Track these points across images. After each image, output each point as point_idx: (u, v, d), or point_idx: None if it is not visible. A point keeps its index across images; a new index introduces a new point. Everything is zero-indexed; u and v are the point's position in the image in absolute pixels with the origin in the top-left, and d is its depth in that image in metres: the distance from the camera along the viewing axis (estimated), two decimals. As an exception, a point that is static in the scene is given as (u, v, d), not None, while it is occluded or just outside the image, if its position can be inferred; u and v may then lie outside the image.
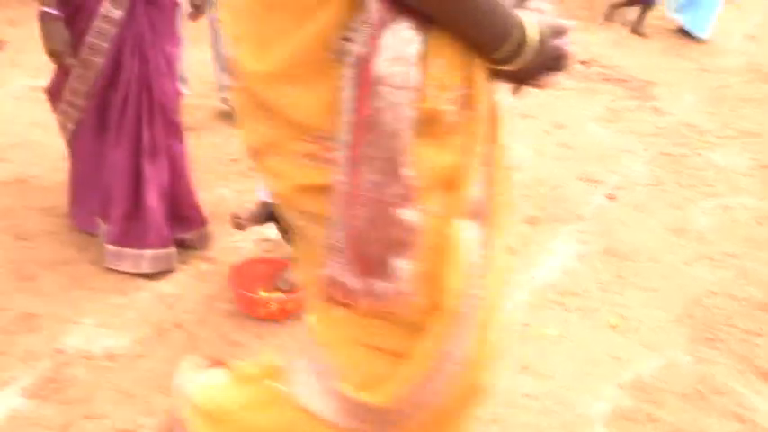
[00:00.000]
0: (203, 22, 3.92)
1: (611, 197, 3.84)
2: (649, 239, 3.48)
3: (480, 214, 1.19)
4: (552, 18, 1.19)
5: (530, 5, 1.19)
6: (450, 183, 1.15)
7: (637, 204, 3.80)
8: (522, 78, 1.23)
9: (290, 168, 1.17)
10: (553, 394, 2.47)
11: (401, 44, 1.06)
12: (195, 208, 3.06)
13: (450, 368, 1.21)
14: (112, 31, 2.73)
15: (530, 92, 1.28)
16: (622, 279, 3.16)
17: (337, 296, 1.19)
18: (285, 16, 1.10)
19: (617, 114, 4.95)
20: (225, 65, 4.11)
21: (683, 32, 6.82)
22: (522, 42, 1.14)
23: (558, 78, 1.25)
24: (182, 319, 2.66)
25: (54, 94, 2.92)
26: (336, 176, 1.11)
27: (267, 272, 2.82)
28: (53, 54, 2.68)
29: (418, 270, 1.15)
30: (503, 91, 1.25)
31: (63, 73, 2.84)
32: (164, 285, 2.84)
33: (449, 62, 1.11)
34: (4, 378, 2.33)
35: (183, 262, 2.96)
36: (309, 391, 1.31)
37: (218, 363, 1.62)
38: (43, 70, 3.06)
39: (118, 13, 2.72)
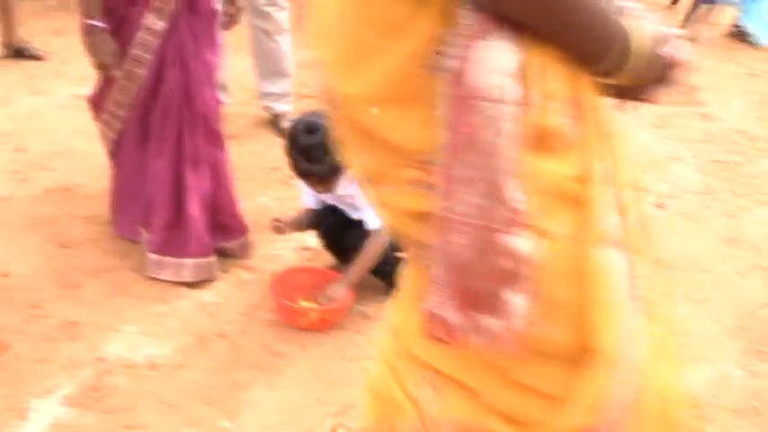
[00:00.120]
0: (244, 29, 3.92)
1: (660, 206, 3.74)
2: (700, 249, 3.38)
3: (617, 241, 1.06)
4: (656, 23, 1.09)
5: (626, 11, 1.08)
6: (576, 201, 1.03)
7: (687, 213, 3.70)
8: (629, 92, 1.13)
9: (398, 198, 1.08)
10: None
11: (497, 55, 0.97)
12: (236, 217, 3.04)
13: (613, 417, 1.08)
14: (156, 42, 2.73)
15: (636, 107, 1.18)
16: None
17: (438, 332, 1.08)
18: (376, 35, 1.02)
19: (665, 120, 4.85)
20: (265, 72, 4.11)
21: (731, 36, 6.69)
22: (627, 52, 1.03)
23: (667, 92, 1.14)
24: (223, 329, 2.64)
25: (97, 104, 2.93)
26: (437, 201, 1.01)
27: (308, 281, 2.79)
28: (101, 66, 2.68)
29: (553, 302, 1.03)
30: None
31: (106, 83, 2.85)
32: (205, 294, 2.82)
33: (552, 71, 1.01)
34: (47, 386, 2.33)
35: (224, 271, 2.95)
36: None
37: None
38: (87, 79, 3.07)
39: (161, 25, 2.72)
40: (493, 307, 1.02)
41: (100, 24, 2.64)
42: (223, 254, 2.98)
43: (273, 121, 4.19)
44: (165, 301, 2.76)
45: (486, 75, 0.97)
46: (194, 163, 2.85)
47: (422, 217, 1.04)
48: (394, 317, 1.29)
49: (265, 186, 3.61)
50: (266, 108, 4.21)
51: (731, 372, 2.62)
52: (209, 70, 2.90)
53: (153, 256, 2.85)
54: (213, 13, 2.91)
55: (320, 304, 2.68)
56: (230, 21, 3.00)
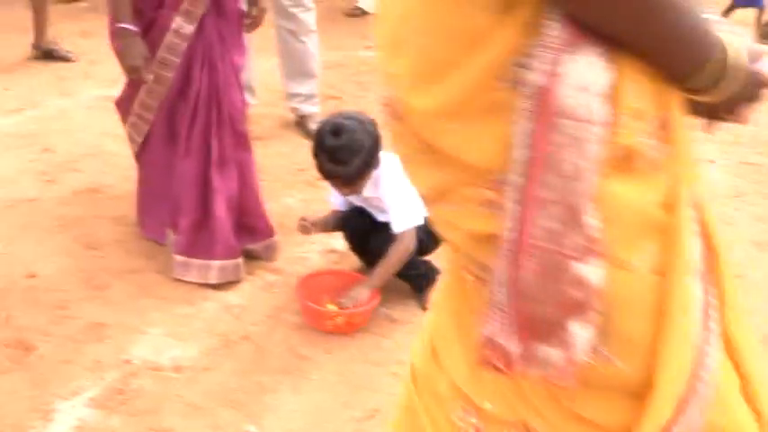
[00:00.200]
0: (270, 30, 3.92)
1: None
2: (731, 253, 3.31)
3: (699, 270, 1.00)
4: (746, 39, 1.02)
5: (716, 25, 1.01)
6: (660, 230, 0.96)
7: (716, 216, 3.63)
8: (720, 111, 1.06)
9: (464, 218, 1.00)
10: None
11: (586, 71, 0.90)
12: (262, 218, 3.03)
13: None
14: (183, 45, 2.73)
15: (723, 127, 1.12)
16: (704, 295, 3.01)
17: (494, 360, 1.02)
18: (454, 45, 0.95)
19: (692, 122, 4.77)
20: (291, 73, 4.10)
21: (760, 37, 6.58)
22: (724, 67, 0.97)
23: (756, 110, 1.07)
24: (249, 331, 2.63)
25: (123, 106, 2.94)
26: (505, 222, 0.95)
27: (334, 284, 2.77)
28: (132, 70, 2.68)
29: (621, 335, 0.96)
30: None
31: (133, 86, 2.85)
32: (230, 296, 2.82)
33: (642, 89, 0.94)
34: (72, 388, 2.33)
35: (250, 273, 2.93)
36: None
37: None
38: (115, 81, 3.09)
39: (190, 29, 2.72)
40: (556, 337, 0.96)
41: (131, 27, 2.64)
42: (248, 256, 2.97)
43: (300, 123, 4.18)
44: (191, 303, 2.76)
45: (573, 92, 0.90)
46: (221, 164, 2.84)
47: (488, 239, 0.98)
48: (434, 337, 1.22)
49: (291, 188, 3.60)
50: (293, 109, 4.20)
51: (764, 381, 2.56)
52: (236, 72, 2.90)
53: (179, 258, 2.84)
54: (239, 14, 2.91)
55: (343, 306, 2.66)
56: (253, 23, 2.99)
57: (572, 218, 0.91)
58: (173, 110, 2.84)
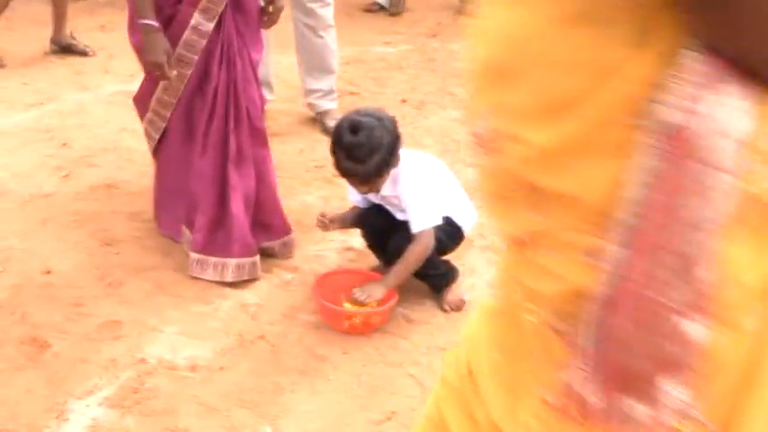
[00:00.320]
0: (288, 25, 3.88)
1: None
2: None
3: None
4: None
5: None
6: None
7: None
8: None
9: (561, 265, 0.92)
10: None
11: (729, 113, 0.81)
12: (279, 215, 3.00)
13: None
14: (202, 42, 2.70)
15: None
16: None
17: (571, 410, 0.95)
18: (582, 78, 0.86)
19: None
20: (309, 69, 4.07)
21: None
22: None
23: None
24: (265, 331, 2.60)
25: (141, 103, 2.92)
26: (606, 267, 0.88)
27: (351, 283, 2.73)
28: (156, 66, 2.66)
29: (718, 399, 0.90)
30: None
31: (151, 82, 2.83)
32: (247, 294, 2.79)
33: None
34: (87, 387, 2.31)
35: (267, 271, 2.90)
36: None
37: None
38: (133, 76, 3.07)
39: (209, 26, 2.69)
40: (645, 393, 0.89)
41: (154, 23, 2.62)
42: (265, 254, 2.94)
43: (318, 119, 4.15)
44: (207, 302, 2.73)
45: (711, 135, 0.82)
46: (238, 161, 2.82)
47: (583, 291, 0.90)
48: (473, 362, 1.15)
49: (309, 185, 3.57)
50: (311, 105, 4.16)
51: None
52: (254, 67, 2.87)
53: (195, 256, 2.82)
54: (258, 9, 2.88)
55: (355, 299, 2.62)
56: (270, 20, 2.95)
57: (684, 269, 0.84)
58: (190, 106, 2.82)
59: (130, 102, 3.04)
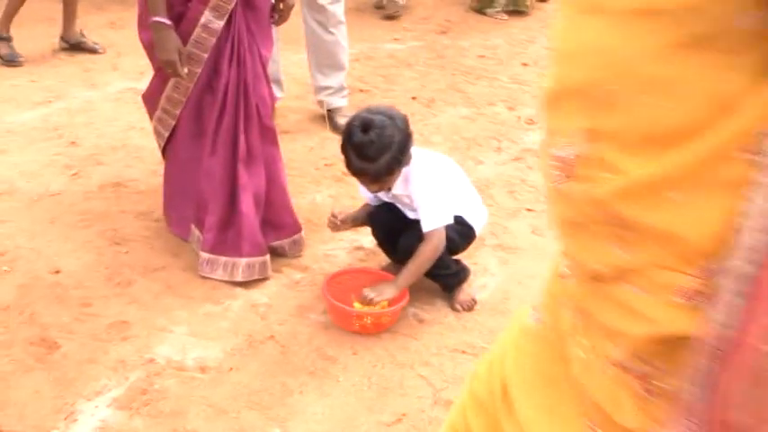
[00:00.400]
0: (298, 21, 3.86)
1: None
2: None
3: None
4: None
5: None
6: None
7: None
8: None
9: (650, 306, 0.85)
10: None
11: None
12: (289, 213, 2.97)
13: None
14: (212, 40, 2.68)
15: None
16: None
17: None
18: (697, 108, 0.80)
19: None
20: (319, 65, 4.04)
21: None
22: None
23: None
24: (274, 331, 2.58)
25: (150, 101, 2.90)
26: (715, 316, 0.81)
27: (361, 283, 2.71)
28: (168, 64, 2.63)
29: None
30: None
31: (160, 80, 2.81)
32: (256, 294, 2.76)
33: None
34: (96, 388, 2.29)
35: (276, 270, 2.88)
36: None
37: None
38: (143, 73, 3.05)
39: (219, 24, 2.66)
40: None
41: (166, 21, 2.60)
42: (274, 253, 2.91)
43: (328, 116, 4.12)
44: (216, 302, 2.71)
45: None
46: (248, 160, 2.79)
47: (681, 333, 0.84)
48: (509, 384, 1.09)
49: (318, 183, 3.54)
50: (321, 103, 4.13)
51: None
52: (264, 65, 2.84)
53: (205, 255, 2.79)
54: (268, 7, 2.85)
55: (366, 298, 2.59)
56: (281, 18, 2.92)
57: None
58: (200, 104, 2.80)
59: (139, 99, 3.02)
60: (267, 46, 2.86)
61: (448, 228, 2.63)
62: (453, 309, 2.73)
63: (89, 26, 5.18)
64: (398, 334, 2.60)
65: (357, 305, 2.62)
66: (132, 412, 2.21)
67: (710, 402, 0.82)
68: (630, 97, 0.82)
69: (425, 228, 2.59)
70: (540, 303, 1.09)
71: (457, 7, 6.21)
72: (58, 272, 2.80)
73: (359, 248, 3.07)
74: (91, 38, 5.04)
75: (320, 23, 3.94)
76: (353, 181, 2.81)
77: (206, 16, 2.67)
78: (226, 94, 2.74)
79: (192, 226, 2.90)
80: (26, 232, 3.04)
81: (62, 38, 4.98)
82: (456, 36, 5.65)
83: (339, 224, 2.82)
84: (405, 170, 2.61)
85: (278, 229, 2.95)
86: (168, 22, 2.60)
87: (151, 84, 2.91)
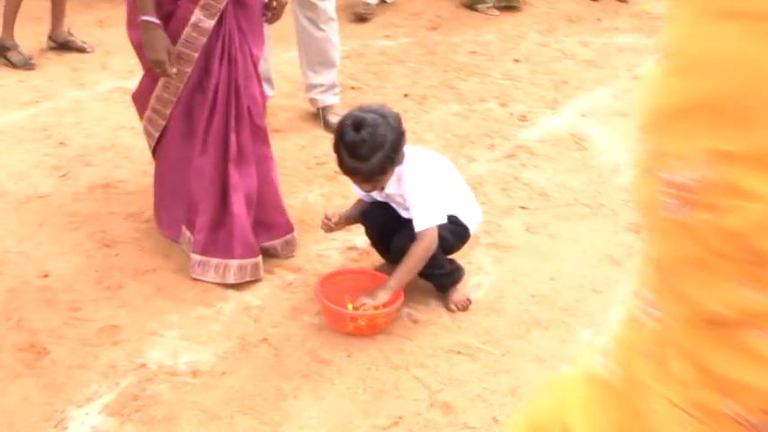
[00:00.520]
0: (288, 19, 3.82)
1: None
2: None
3: None
4: None
5: None
6: None
7: None
8: None
9: None
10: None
11: None
12: (281, 213, 2.94)
13: None
14: (202, 40, 2.64)
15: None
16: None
17: None
18: None
19: None
20: (310, 63, 4.00)
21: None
22: None
23: None
24: (267, 333, 2.54)
25: (140, 101, 2.86)
26: None
27: (355, 283, 2.68)
28: (157, 64, 2.60)
29: None
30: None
31: (150, 80, 2.77)
32: (248, 296, 2.73)
33: None
34: (86, 394, 2.25)
35: (269, 271, 2.85)
36: None
37: None
38: (132, 72, 3.00)
39: (209, 23, 2.63)
40: None
41: (154, 20, 2.56)
42: (266, 254, 2.88)
43: (319, 114, 4.08)
44: (208, 304, 2.67)
45: None
46: (239, 160, 2.76)
47: None
48: (573, 427, 1.02)
49: (310, 183, 3.50)
50: (312, 101, 4.09)
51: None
52: (255, 63, 2.81)
53: (197, 257, 2.76)
54: (260, 4, 2.81)
55: (358, 308, 2.55)
56: (274, 16, 2.88)
57: None
58: (190, 104, 2.76)
59: (128, 99, 2.98)
60: (258, 45, 2.82)
61: (441, 227, 2.60)
62: (448, 309, 2.70)
63: (77, 25, 5.12)
64: (393, 335, 2.57)
65: (351, 306, 2.59)
66: (124, 419, 2.17)
67: None
68: (753, 113, 0.73)
69: (418, 227, 2.56)
70: (609, 350, 1.00)
71: (448, 3, 6.17)
72: (46, 275, 2.76)
73: (352, 248, 3.04)
74: (79, 36, 4.98)
75: (311, 20, 3.90)
76: (346, 180, 2.78)
77: (196, 15, 2.63)
78: (216, 93, 2.71)
79: (183, 227, 2.86)
80: (14, 235, 2.99)
81: (50, 37, 4.92)
82: (447, 32, 5.61)
83: (333, 226, 2.79)
84: (398, 169, 2.58)
85: (270, 230, 2.91)
86: (157, 21, 2.57)
87: (141, 83, 2.87)
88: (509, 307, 2.73)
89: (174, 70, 2.64)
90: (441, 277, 2.71)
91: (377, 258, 2.92)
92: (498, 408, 2.28)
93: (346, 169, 2.57)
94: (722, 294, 0.78)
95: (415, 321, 2.65)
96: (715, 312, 0.80)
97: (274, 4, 2.85)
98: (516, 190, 3.52)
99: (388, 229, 2.74)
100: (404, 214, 2.70)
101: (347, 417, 2.23)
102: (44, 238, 2.98)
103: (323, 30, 3.93)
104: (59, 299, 2.64)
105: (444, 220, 2.61)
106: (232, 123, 2.73)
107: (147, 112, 2.84)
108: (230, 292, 2.73)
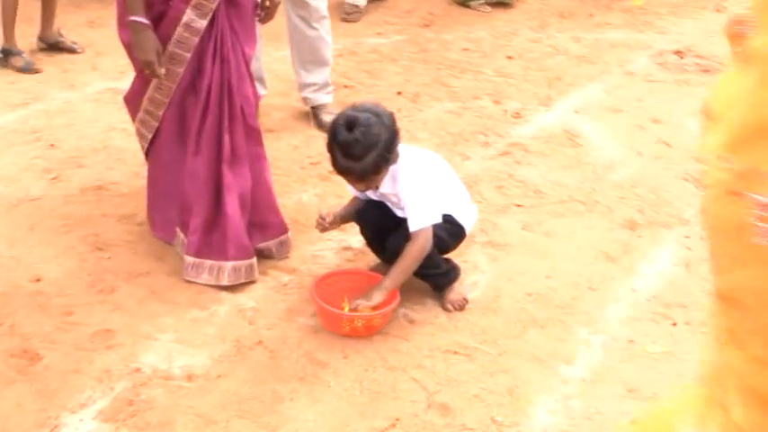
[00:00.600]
0: (280, 18, 3.79)
1: None
2: (764, 245, 3.18)
3: None
4: None
5: None
6: None
7: None
8: None
9: None
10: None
11: None
12: (275, 214, 2.92)
13: None
14: (194, 40, 2.62)
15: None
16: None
17: None
18: None
19: None
20: (303, 62, 3.97)
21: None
22: None
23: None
24: (262, 336, 2.52)
25: (132, 102, 2.84)
26: None
27: (351, 284, 2.66)
28: (146, 65, 2.57)
29: None
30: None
31: (142, 81, 2.75)
32: (243, 298, 2.71)
33: None
34: (80, 400, 2.23)
35: (263, 273, 2.83)
36: None
37: None
38: (123, 73, 2.98)
39: (201, 23, 2.60)
40: None
41: (144, 21, 2.54)
42: (261, 255, 2.86)
43: (313, 113, 4.05)
44: (202, 307, 2.65)
45: None
46: (233, 161, 2.74)
47: None
48: None
49: (304, 182, 3.48)
50: (305, 100, 4.07)
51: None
52: (248, 63, 2.79)
53: (191, 259, 2.74)
54: (252, 4, 2.78)
55: (354, 309, 2.53)
56: (267, 16, 2.86)
57: None
58: (183, 105, 2.74)
59: (119, 100, 2.95)
60: (251, 44, 2.80)
61: (437, 227, 2.58)
62: (444, 309, 2.69)
63: (67, 25, 5.09)
64: (389, 336, 2.56)
65: (347, 307, 2.57)
66: (118, 424, 2.16)
67: None
68: None
69: (412, 227, 2.55)
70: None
71: (439, 0, 6.15)
72: (38, 279, 2.74)
73: (347, 249, 3.02)
74: (69, 37, 4.94)
75: (303, 19, 3.88)
76: (340, 179, 2.75)
77: (188, 15, 2.60)
78: (209, 93, 2.69)
79: (177, 229, 2.84)
80: (5, 239, 2.97)
81: (40, 38, 4.88)
82: (439, 29, 5.59)
83: (328, 226, 2.78)
84: (392, 168, 2.56)
85: (264, 231, 2.89)
86: (146, 21, 2.54)
87: (133, 85, 2.85)
88: (505, 306, 2.71)
89: (163, 71, 2.62)
90: (437, 277, 2.69)
91: (372, 258, 2.90)
92: (496, 408, 2.27)
93: (340, 169, 2.55)
94: None
95: (412, 322, 2.64)
96: None
97: (267, 3, 2.83)
98: (511, 188, 3.50)
99: (383, 228, 2.73)
100: (399, 214, 2.68)
101: (344, 419, 2.22)
102: (36, 242, 2.95)
103: (315, 28, 3.90)
104: (52, 303, 2.62)
105: (439, 220, 2.60)
106: (225, 124, 2.70)
107: (140, 114, 2.82)
108: (225, 295, 2.71)
